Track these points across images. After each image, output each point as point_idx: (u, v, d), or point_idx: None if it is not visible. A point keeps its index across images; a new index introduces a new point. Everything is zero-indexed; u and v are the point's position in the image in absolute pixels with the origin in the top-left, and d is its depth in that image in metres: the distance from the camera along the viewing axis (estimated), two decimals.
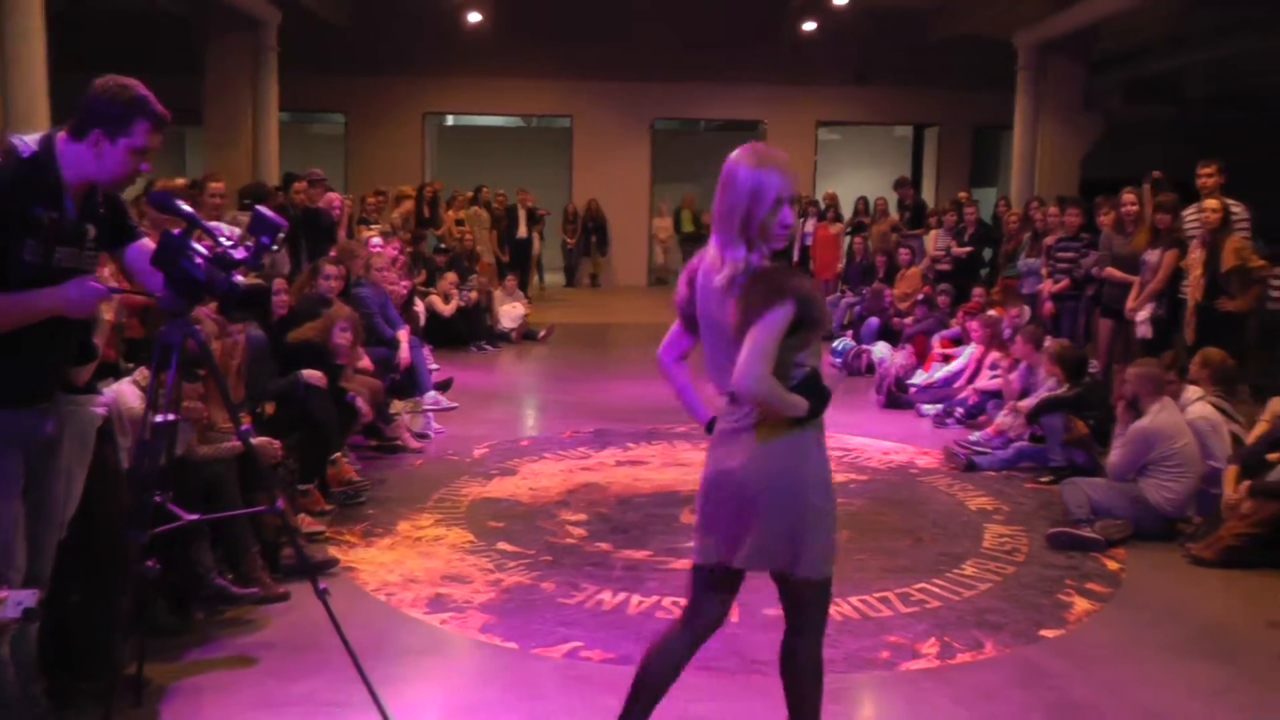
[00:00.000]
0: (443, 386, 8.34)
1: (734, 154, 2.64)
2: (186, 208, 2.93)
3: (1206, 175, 7.30)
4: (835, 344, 10.90)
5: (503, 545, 5.05)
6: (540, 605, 4.31)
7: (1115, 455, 5.51)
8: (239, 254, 2.89)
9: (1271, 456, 5.28)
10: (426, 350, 8.72)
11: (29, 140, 2.74)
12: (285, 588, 4.24)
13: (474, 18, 15.83)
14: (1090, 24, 13.08)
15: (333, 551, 4.85)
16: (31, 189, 2.69)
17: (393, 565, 4.76)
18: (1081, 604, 4.46)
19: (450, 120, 21.43)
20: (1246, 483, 5.10)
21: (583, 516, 5.55)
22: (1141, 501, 5.29)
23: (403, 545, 5.03)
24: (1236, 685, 3.73)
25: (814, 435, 2.66)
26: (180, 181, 7.22)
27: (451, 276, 11.26)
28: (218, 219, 6.16)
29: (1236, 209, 7.26)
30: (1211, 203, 7.06)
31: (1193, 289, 7.02)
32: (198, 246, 2.86)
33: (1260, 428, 5.65)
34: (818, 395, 2.61)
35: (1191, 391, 5.82)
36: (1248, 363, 7.47)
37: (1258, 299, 6.93)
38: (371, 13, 16.75)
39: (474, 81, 18.06)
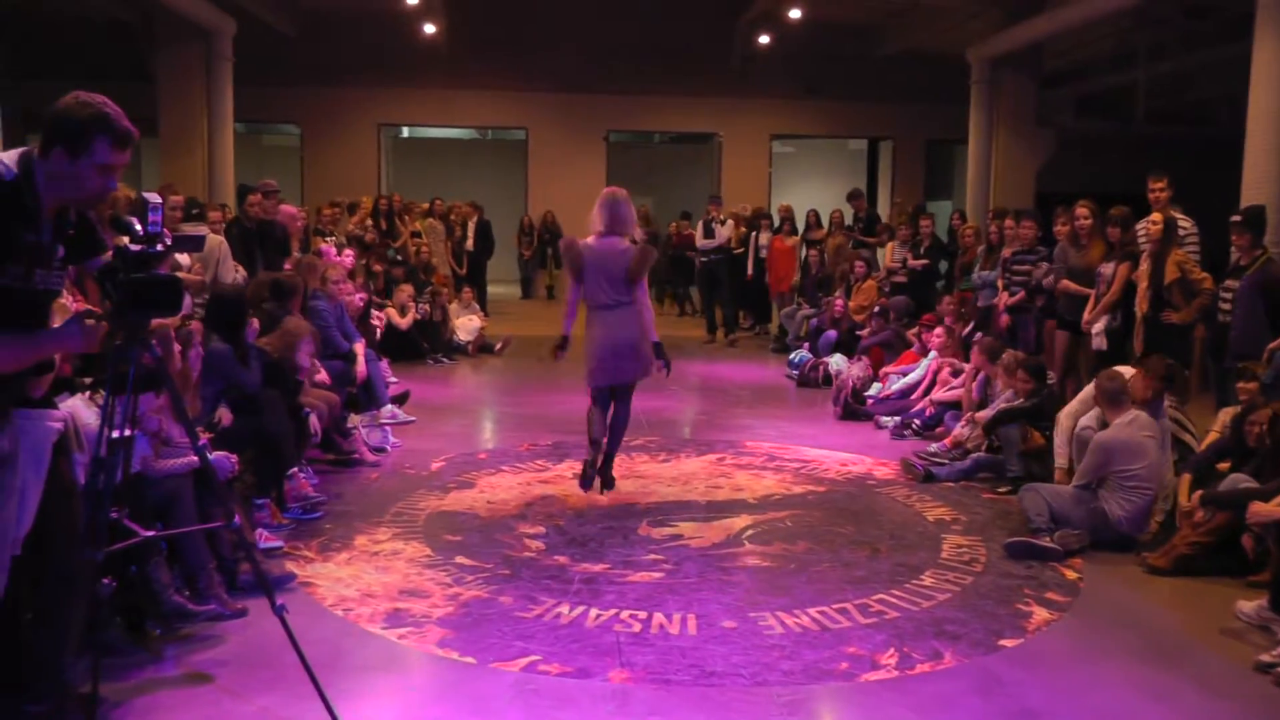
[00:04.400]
0: (400, 400, 8.29)
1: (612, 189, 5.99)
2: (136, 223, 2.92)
3: (1159, 189, 7.38)
4: (792, 356, 10.96)
5: (460, 559, 5.02)
6: (498, 619, 4.28)
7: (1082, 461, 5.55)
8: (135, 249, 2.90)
9: (1221, 466, 5.37)
10: (384, 363, 8.69)
11: (7, 161, 2.71)
12: (242, 604, 4.18)
13: (429, 29, 15.80)
14: (1038, 40, 13.28)
15: (290, 566, 4.79)
16: (14, 213, 2.67)
17: (350, 580, 4.71)
18: (1040, 613, 4.49)
19: (405, 132, 21.32)
20: (1199, 492, 5.14)
21: (540, 529, 5.52)
22: (1099, 513, 5.33)
23: (360, 560, 4.98)
24: (1185, 690, 3.79)
25: None
26: (129, 193, 7.10)
27: (408, 289, 11.23)
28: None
29: (1184, 223, 7.33)
30: (1154, 216, 7.08)
31: (1139, 301, 7.07)
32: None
33: (1211, 437, 5.73)
34: None
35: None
36: (1198, 374, 7.59)
37: (1202, 311, 6.98)
38: (325, 23, 16.68)
39: (428, 93, 18.03)
